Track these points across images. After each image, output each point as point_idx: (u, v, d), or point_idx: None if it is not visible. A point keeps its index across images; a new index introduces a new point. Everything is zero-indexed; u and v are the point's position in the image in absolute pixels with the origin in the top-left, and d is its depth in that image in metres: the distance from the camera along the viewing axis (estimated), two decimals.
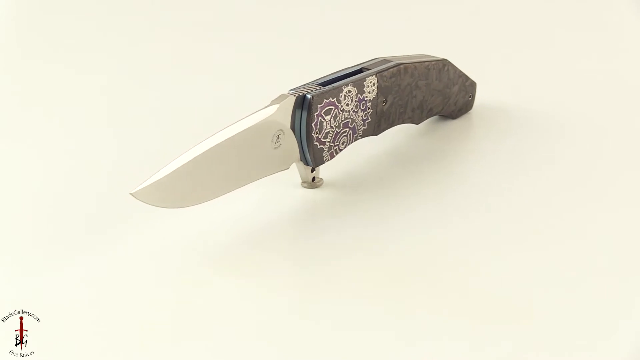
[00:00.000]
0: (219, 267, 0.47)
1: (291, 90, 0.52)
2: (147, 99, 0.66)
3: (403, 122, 0.57)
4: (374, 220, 0.51)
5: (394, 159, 0.57)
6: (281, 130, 0.51)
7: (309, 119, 0.51)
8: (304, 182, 0.53)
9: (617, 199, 0.53)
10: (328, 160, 0.53)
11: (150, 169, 0.48)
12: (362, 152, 0.57)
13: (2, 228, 0.51)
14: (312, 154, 0.52)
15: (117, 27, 0.81)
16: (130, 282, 0.46)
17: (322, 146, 0.52)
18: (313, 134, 0.52)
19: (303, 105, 0.51)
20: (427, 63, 0.58)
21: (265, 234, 0.50)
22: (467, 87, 0.61)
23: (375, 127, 0.55)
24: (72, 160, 0.57)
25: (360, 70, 0.55)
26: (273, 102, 0.51)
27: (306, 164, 0.53)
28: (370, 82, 0.54)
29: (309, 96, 0.51)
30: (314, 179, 0.53)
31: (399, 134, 0.59)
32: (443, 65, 0.59)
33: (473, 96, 0.62)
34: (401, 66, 0.56)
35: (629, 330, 0.43)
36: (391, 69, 0.55)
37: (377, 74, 0.54)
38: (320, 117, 0.52)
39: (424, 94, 0.58)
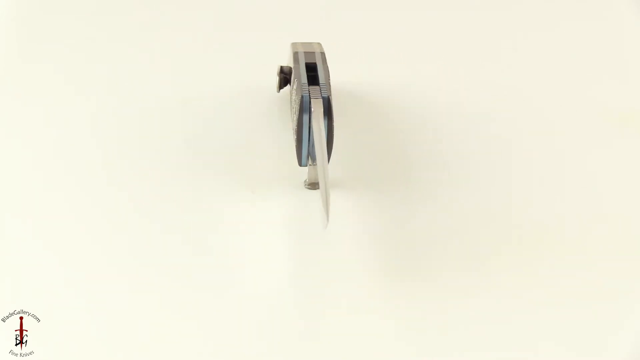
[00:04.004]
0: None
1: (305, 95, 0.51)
2: (144, 99, 0.61)
3: None
4: (395, 212, 0.52)
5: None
6: None
7: (331, 119, 0.51)
8: (309, 183, 0.53)
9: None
10: None
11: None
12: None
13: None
14: (329, 153, 0.52)
15: (109, 26, 0.69)
16: (131, 282, 0.46)
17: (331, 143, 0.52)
18: (333, 133, 0.52)
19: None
20: (319, 49, 0.59)
21: (303, 241, 0.50)
22: None
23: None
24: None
25: (307, 64, 0.55)
26: (316, 107, 0.50)
27: None
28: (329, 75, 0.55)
29: (325, 96, 0.51)
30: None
31: None
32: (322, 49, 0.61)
33: None
34: (322, 54, 0.57)
35: (629, 330, 0.44)
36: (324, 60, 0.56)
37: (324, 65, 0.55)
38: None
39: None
